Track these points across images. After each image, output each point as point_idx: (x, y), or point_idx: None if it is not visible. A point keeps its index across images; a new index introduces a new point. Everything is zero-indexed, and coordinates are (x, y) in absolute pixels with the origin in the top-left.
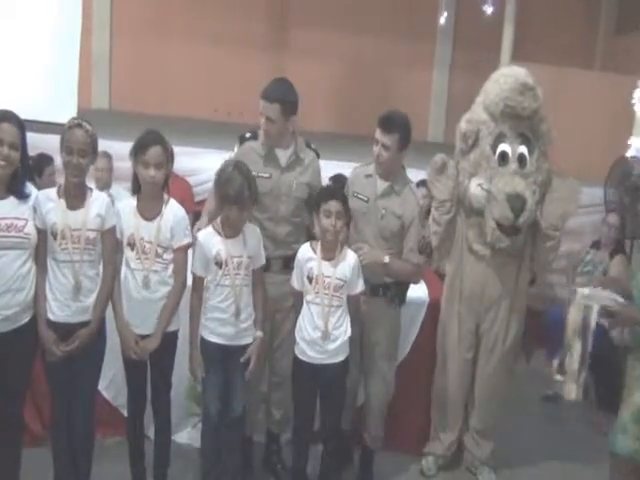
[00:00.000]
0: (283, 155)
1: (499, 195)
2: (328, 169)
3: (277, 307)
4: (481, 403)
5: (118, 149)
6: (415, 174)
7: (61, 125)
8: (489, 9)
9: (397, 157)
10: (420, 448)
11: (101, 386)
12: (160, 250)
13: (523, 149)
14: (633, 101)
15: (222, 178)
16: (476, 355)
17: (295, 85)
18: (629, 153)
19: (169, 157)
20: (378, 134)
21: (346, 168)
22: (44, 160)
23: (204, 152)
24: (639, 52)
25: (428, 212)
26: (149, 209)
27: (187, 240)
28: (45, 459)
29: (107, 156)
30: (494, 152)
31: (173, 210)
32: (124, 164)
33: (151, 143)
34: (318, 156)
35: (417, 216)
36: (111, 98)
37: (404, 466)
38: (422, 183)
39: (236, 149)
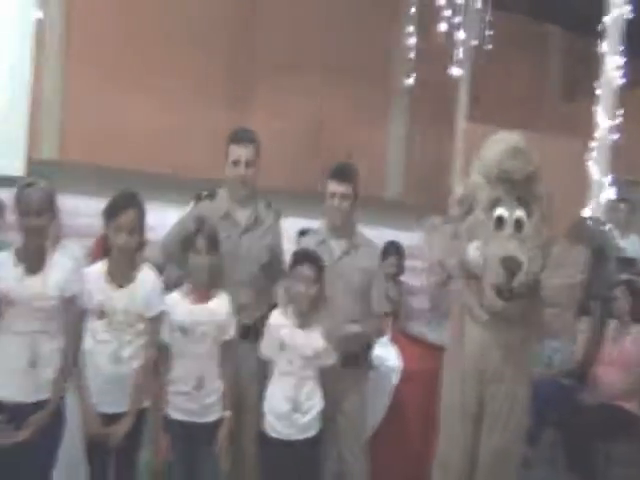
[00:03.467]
0: (242, 215)
1: (493, 259)
2: (293, 226)
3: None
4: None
5: (69, 203)
6: (377, 233)
7: (10, 178)
8: (446, 71)
9: (354, 207)
10: None
11: None
12: (132, 319)
13: (520, 213)
14: (588, 163)
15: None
16: (480, 430)
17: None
18: (585, 214)
19: (143, 221)
20: (334, 186)
21: (311, 224)
22: None
23: (160, 208)
24: (586, 117)
25: (397, 273)
26: (121, 275)
27: (161, 308)
28: None
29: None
30: (491, 216)
31: (147, 277)
32: (76, 220)
33: (125, 206)
34: (279, 217)
35: (379, 264)
36: (61, 147)
37: None
38: (392, 248)
39: (191, 206)
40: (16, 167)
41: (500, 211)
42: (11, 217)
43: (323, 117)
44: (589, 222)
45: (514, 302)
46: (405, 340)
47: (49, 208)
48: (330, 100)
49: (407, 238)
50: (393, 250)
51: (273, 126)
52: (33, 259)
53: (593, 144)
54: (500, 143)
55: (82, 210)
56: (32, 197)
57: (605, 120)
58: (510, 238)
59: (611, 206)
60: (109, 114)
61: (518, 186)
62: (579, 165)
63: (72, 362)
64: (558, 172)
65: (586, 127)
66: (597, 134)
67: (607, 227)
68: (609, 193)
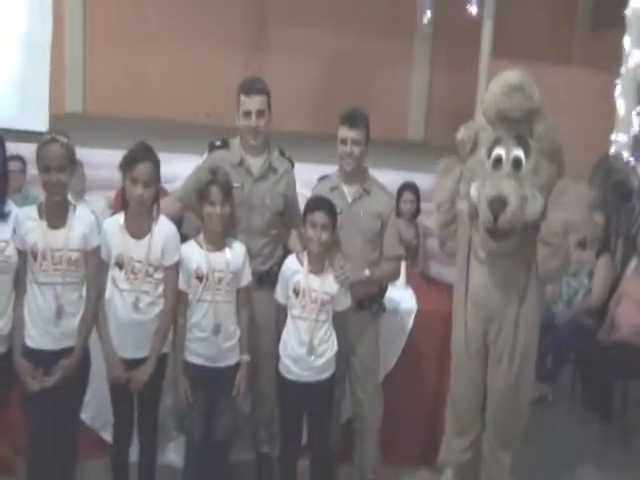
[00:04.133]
0: (255, 164)
1: (483, 198)
2: (311, 171)
3: (253, 325)
4: (495, 418)
5: (92, 157)
6: (396, 177)
7: (35, 133)
8: (469, 6)
9: (366, 152)
10: (422, 459)
11: None
12: (151, 269)
13: (518, 152)
14: (615, 95)
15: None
16: (487, 366)
17: (274, 84)
18: (611, 150)
19: (159, 173)
20: (345, 131)
21: (327, 170)
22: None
23: (182, 157)
24: (616, 48)
25: (413, 216)
26: (138, 227)
27: (178, 257)
28: None
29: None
30: (489, 157)
31: (164, 227)
32: (99, 173)
33: (140, 159)
34: (292, 165)
35: (393, 210)
36: (85, 101)
37: None
38: (407, 187)
39: (205, 156)
40: (40, 122)
41: (498, 150)
42: (34, 171)
43: (343, 59)
44: (612, 158)
45: (508, 242)
46: (423, 282)
47: (69, 164)
48: (350, 41)
49: (430, 180)
50: (408, 190)
51: (292, 70)
52: (56, 214)
53: (620, 78)
54: (498, 82)
55: (105, 163)
56: (52, 153)
57: (634, 53)
58: (505, 177)
59: (637, 142)
60: (130, 66)
61: (516, 125)
62: (606, 99)
63: (95, 311)
64: (585, 106)
65: (614, 60)
66: (625, 67)
67: (631, 163)
68: (635, 128)
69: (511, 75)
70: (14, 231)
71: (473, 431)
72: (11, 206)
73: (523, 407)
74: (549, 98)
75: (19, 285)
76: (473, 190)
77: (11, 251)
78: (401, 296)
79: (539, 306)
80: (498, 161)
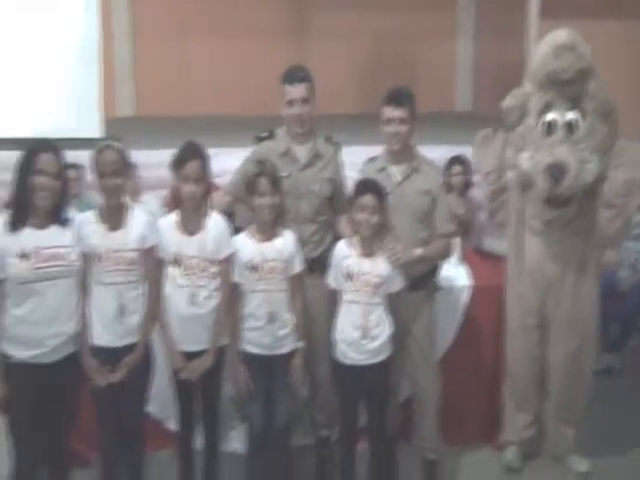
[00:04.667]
0: (302, 152)
1: (539, 167)
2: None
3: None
4: (557, 391)
5: (146, 158)
6: (445, 151)
7: (90, 140)
8: None
9: (412, 131)
10: (483, 438)
11: None
12: (206, 264)
13: (572, 115)
14: None
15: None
16: (547, 338)
17: (319, 69)
18: None
19: (209, 169)
20: (390, 111)
21: (376, 151)
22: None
23: (230, 152)
24: None
25: (464, 189)
26: (191, 223)
27: (231, 250)
28: (91, 479)
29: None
30: (540, 123)
31: (215, 222)
32: (153, 173)
33: (189, 157)
34: (339, 149)
35: (442, 186)
36: (137, 104)
37: (476, 462)
38: (456, 160)
39: (253, 149)
40: (94, 128)
41: (550, 116)
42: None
43: (385, 38)
44: None
45: (566, 210)
46: (477, 257)
47: (123, 168)
48: (392, 19)
49: None
50: (457, 163)
51: (335, 54)
52: (114, 216)
53: None
54: (545, 44)
55: (158, 163)
56: (107, 159)
57: None
58: (560, 143)
59: None
60: (176, 66)
61: (569, 86)
62: None
63: (155, 307)
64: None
65: None
66: None
67: None
68: None
69: (559, 35)
70: (76, 236)
71: (534, 406)
72: (72, 213)
73: (586, 379)
74: (601, 55)
75: (84, 287)
76: (524, 159)
77: (75, 255)
78: (455, 273)
79: (598, 275)
80: (550, 126)
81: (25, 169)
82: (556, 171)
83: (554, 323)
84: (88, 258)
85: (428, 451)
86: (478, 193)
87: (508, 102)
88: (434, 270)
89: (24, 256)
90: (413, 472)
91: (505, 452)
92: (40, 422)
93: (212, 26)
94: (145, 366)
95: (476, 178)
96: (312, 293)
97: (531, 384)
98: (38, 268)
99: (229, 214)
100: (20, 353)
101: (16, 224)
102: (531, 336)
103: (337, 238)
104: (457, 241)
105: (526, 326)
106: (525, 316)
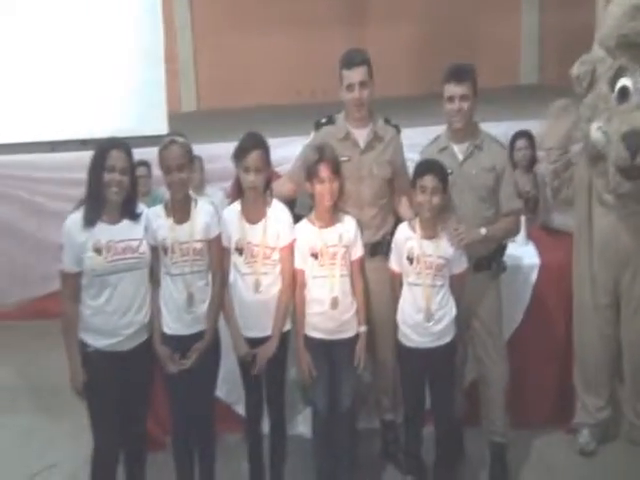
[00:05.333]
0: (361, 135)
1: (614, 136)
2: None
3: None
4: (631, 373)
5: (209, 150)
6: (508, 127)
7: (157, 137)
8: None
9: (475, 107)
10: (554, 420)
11: None
12: (268, 251)
13: None
14: None
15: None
16: (619, 315)
17: (376, 52)
18: None
19: (269, 159)
20: (452, 88)
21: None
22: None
23: (290, 140)
24: None
25: (530, 165)
26: (254, 212)
27: (292, 237)
28: (166, 463)
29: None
30: (613, 90)
31: (277, 210)
32: (216, 165)
33: (250, 148)
34: (399, 131)
35: (507, 161)
36: (198, 99)
37: (547, 445)
38: (521, 134)
39: (312, 135)
40: (160, 125)
41: (623, 82)
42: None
43: (445, 13)
44: None
45: None
46: (545, 235)
47: (188, 162)
48: None
49: None
50: (522, 137)
51: (393, 34)
52: (180, 209)
53: None
54: (617, 5)
55: (220, 155)
56: (172, 154)
57: None
58: (636, 109)
59: None
60: (235, 58)
61: None
62: None
63: (221, 296)
64: None
65: None
66: None
67: None
68: None
69: None
70: (146, 230)
71: (607, 388)
72: (142, 207)
73: None
74: None
75: (154, 278)
76: (595, 129)
77: (145, 248)
78: (522, 252)
79: None
80: (624, 93)
81: (97, 166)
82: (633, 140)
83: (629, 301)
84: (157, 251)
85: (496, 435)
86: (544, 168)
87: (577, 69)
88: (500, 249)
89: (99, 250)
90: (481, 456)
91: (578, 435)
92: (117, 407)
93: (268, 17)
94: (214, 352)
95: (540, 153)
96: (374, 277)
97: (604, 366)
98: (112, 261)
99: (290, 202)
100: (97, 342)
101: (91, 219)
102: (604, 316)
103: (399, 221)
104: (523, 219)
105: (598, 305)
106: (597, 295)
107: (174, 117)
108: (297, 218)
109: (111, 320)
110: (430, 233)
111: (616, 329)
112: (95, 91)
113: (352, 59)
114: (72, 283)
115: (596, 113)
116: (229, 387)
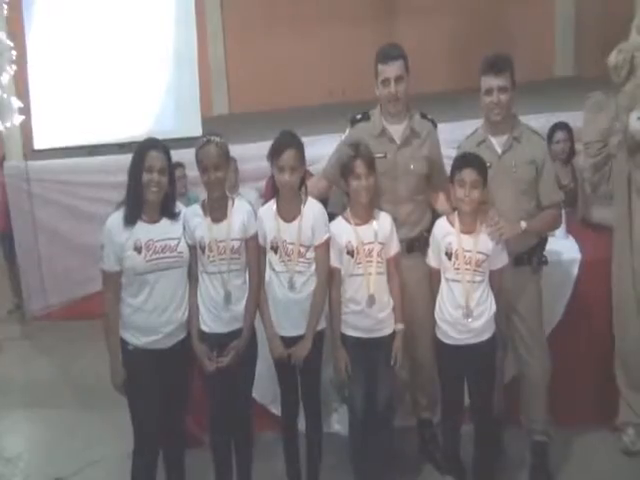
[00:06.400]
0: (397, 131)
1: None
2: (456, 130)
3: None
4: None
5: (241, 151)
6: (546, 121)
7: (191, 139)
8: None
9: (513, 98)
10: (598, 419)
11: None
12: (303, 250)
13: None
14: None
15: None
16: None
17: (410, 48)
18: None
19: (304, 157)
20: (489, 80)
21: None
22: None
23: (323, 138)
24: None
25: (568, 157)
26: (288, 211)
27: (327, 235)
28: (205, 459)
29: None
30: None
31: (312, 209)
32: (248, 165)
33: (284, 147)
34: (435, 126)
35: (547, 153)
36: (230, 101)
37: (590, 444)
38: (558, 126)
39: (347, 132)
40: (194, 127)
41: None
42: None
43: (478, 5)
44: None
45: None
46: (585, 229)
47: (224, 161)
48: None
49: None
50: (560, 130)
51: (425, 29)
52: (217, 208)
53: None
54: None
55: (252, 156)
56: (209, 154)
57: None
58: None
59: None
60: (265, 60)
61: None
62: None
63: (258, 294)
64: None
65: None
66: None
67: None
68: None
69: None
70: (184, 229)
71: None
72: (180, 207)
73: None
74: None
75: (192, 277)
76: (635, 119)
77: (183, 247)
78: (562, 246)
79: None
80: None
81: (136, 167)
82: None
83: None
84: (195, 249)
85: (538, 433)
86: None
87: (614, 57)
88: (541, 243)
89: (139, 249)
90: (521, 456)
91: (622, 434)
92: (157, 404)
93: (298, 17)
94: (251, 351)
95: (578, 146)
96: (411, 274)
97: None
98: (151, 260)
99: (325, 200)
100: (137, 340)
101: (131, 219)
102: None
103: (436, 217)
104: (562, 212)
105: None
106: (639, 290)
107: (206, 120)
108: (330, 217)
109: (150, 318)
110: (469, 228)
111: None
112: (131, 96)
113: (388, 53)
114: (113, 282)
115: (636, 102)
116: (264, 387)
